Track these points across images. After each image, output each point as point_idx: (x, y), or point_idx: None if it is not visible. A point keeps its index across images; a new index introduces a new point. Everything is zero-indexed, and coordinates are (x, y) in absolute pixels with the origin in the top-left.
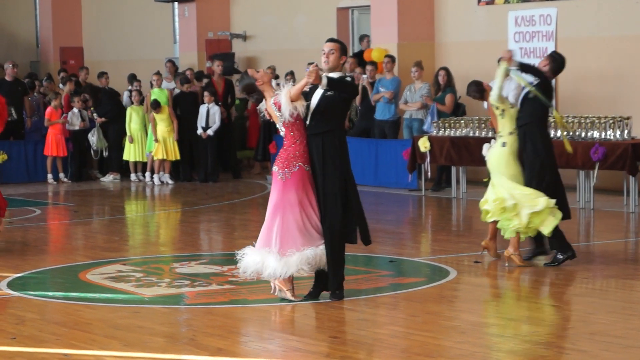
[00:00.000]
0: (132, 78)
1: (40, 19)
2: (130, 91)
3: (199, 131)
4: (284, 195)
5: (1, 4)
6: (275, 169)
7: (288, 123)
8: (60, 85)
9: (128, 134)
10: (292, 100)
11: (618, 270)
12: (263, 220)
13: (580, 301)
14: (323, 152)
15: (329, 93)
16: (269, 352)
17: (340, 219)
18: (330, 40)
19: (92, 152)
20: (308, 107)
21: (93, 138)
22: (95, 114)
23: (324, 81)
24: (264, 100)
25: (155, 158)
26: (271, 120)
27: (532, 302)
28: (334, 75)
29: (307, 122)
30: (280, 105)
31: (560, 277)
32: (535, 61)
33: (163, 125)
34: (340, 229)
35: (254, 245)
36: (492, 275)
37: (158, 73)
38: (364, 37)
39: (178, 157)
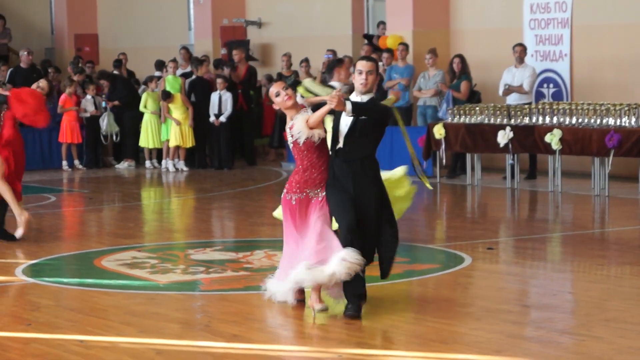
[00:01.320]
0: (161, 64)
1: (55, 5)
2: (151, 77)
3: (211, 119)
4: None
5: None
6: None
7: (295, 149)
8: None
9: (151, 110)
10: (310, 128)
11: (633, 257)
12: (277, 205)
13: (595, 288)
14: (362, 178)
15: (362, 117)
16: (284, 338)
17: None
18: (367, 59)
19: (101, 137)
20: (335, 130)
21: (103, 122)
22: (103, 96)
23: (349, 107)
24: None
25: (170, 145)
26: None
27: (547, 289)
28: (365, 97)
29: (339, 147)
30: (295, 129)
31: (575, 265)
32: (550, 48)
33: (178, 112)
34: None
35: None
36: (506, 262)
37: (174, 60)
38: (380, 24)
39: (193, 144)
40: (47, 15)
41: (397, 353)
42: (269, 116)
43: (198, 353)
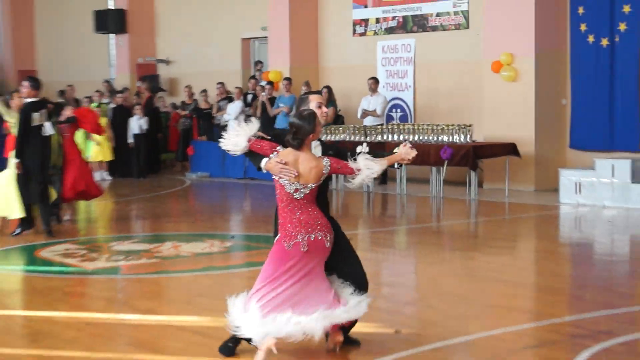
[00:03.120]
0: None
1: (3, 45)
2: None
3: (130, 140)
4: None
5: None
6: (323, 235)
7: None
8: None
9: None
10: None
11: (462, 244)
12: (182, 207)
13: (432, 269)
14: (326, 208)
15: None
16: (188, 311)
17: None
18: (319, 92)
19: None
20: None
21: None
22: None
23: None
24: None
25: (93, 160)
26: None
27: (394, 270)
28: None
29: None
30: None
31: (417, 251)
32: (398, 81)
33: None
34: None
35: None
36: (363, 249)
37: (98, 91)
38: (257, 63)
39: (112, 158)
40: None
41: None
42: (174, 135)
43: (120, 325)
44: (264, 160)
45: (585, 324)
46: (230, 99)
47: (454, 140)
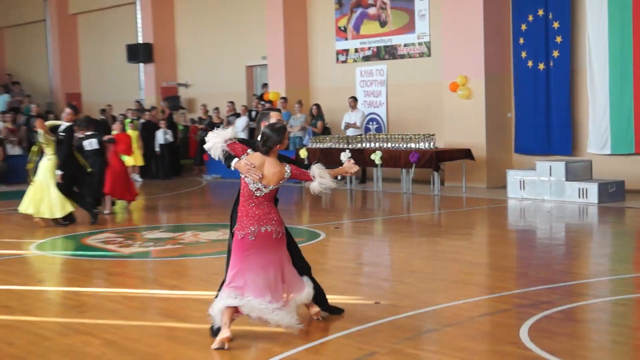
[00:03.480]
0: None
1: (53, 72)
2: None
3: (157, 149)
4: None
5: (24, 64)
6: (273, 229)
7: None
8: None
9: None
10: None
11: (427, 232)
12: (200, 202)
13: (404, 251)
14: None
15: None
16: (206, 287)
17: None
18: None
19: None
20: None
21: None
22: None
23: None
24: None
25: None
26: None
27: (373, 252)
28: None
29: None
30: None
31: (391, 237)
32: (374, 99)
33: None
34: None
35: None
36: (347, 236)
37: (130, 109)
38: (264, 85)
39: (142, 163)
40: (45, 79)
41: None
42: (192, 144)
43: (151, 298)
44: (235, 160)
45: (530, 296)
46: (237, 115)
47: (420, 147)
